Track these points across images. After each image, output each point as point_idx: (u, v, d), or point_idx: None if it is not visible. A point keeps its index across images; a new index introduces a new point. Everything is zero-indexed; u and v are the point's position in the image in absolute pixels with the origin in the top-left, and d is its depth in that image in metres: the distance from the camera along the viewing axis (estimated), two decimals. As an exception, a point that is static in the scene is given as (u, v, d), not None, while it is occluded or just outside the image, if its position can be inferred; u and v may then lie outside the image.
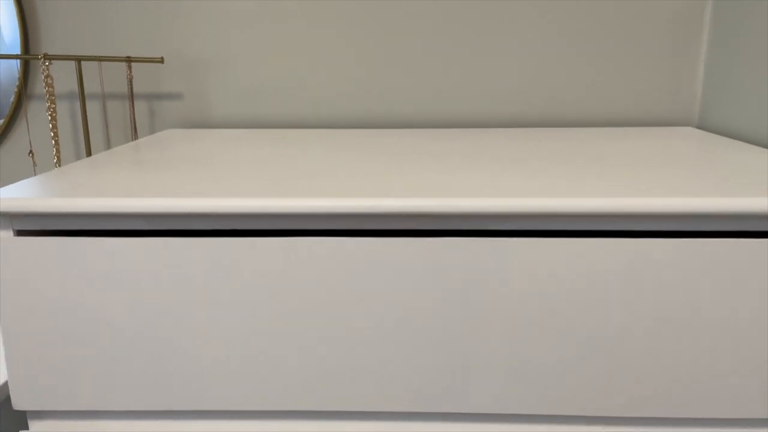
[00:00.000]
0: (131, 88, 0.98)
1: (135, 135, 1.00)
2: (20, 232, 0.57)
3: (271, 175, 0.63)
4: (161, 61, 0.95)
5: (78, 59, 0.95)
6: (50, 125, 0.97)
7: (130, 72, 0.98)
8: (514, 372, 0.57)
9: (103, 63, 1.02)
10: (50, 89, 0.94)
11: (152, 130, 1.05)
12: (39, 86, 1.04)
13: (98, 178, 0.62)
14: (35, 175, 1.06)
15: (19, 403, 0.60)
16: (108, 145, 1.05)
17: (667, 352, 0.56)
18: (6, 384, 0.63)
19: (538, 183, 0.59)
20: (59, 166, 0.97)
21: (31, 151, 1.01)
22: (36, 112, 1.05)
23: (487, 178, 0.61)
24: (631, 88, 1.00)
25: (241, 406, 0.59)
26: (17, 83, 1.04)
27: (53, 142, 0.96)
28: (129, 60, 0.96)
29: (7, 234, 0.57)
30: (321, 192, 0.56)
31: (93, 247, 0.55)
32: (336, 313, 0.56)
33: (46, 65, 0.95)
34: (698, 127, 0.99)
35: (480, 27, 0.98)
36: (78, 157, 1.06)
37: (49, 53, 0.98)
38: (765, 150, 0.75)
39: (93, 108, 1.04)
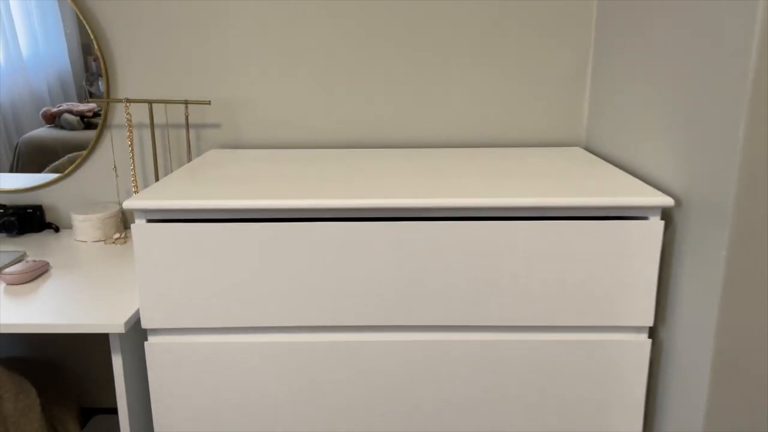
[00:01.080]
0: (187, 122, 1.38)
1: (190, 155, 1.40)
2: (149, 221, 0.98)
3: (293, 182, 1.04)
4: (209, 103, 1.36)
5: (150, 102, 1.35)
6: (129, 148, 1.37)
7: (187, 110, 1.38)
8: (446, 295, 0.98)
9: (168, 105, 1.41)
10: (129, 123, 1.35)
11: (199, 151, 1.45)
12: (117, 118, 1.44)
13: (189, 186, 1.03)
14: (117, 182, 1.46)
15: (146, 323, 1.00)
16: (170, 162, 1.45)
17: (547, 278, 0.97)
18: (137, 311, 1.03)
19: (465, 188, 0.99)
20: (135, 176, 1.36)
21: (114, 166, 1.41)
22: (116, 137, 1.45)
23: (435, 185, 1.02)
24: (532, 118, 1.41)
25: (284, 323, 1.00)
26: (101, 117, 1.44)
27: (131, 159, 1.36)
28: (186, 102, 1.36)
29: (141, 221, 0.97)
30: (326, 194, 0.96)
31: (194, 229, 0.96)
32: (342, 265, 0.97)
33: (127, 106, 1.35)
34: (585, 148, 1.41)
35: (425, 78, 1.40)
36: (146, 170, 1.45)
37: (129, 98, 1.38)
38: (616, 169, 1.16)
39: (158, 134, 1.44)
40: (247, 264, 0.97)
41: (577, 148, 1.37)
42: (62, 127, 1.55)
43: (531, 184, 1.03)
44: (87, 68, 1.50)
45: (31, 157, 1.56)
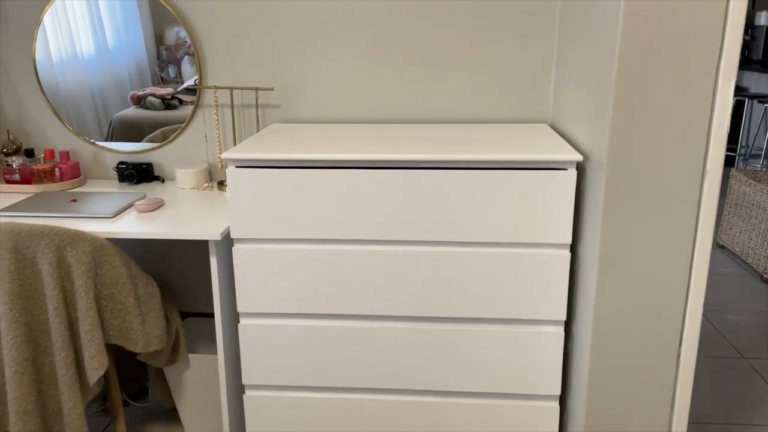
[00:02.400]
0: (257, 103, 1.90)
1: (258, 127, 1.92)
2: (237, 167, 1.50)
3: (336, 143, 1.54)
4: (272, 89, 1.87)
5: (231, 89, 1.87)
6: (216, 121, 1.89)
7: (256, 94, 1.90)
8: (439, 217, 1.47)
9: (243, 91, 1.94)
10: (216, 104, 1.87)
11: (264, 125, 1.97)
12: (206, 99, 1.97)
13: (260, 146, 1.54)
14: (206, 147, 1.99)
15: (234, 234, 1.52)
16: (243, 132, 1.97)
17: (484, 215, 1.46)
18: (228, 228, 1.56)
19: (451, 149, 1.48)
20: (219, 142, 1.89)
21: (205, 135, 1.95)
22: (204, 114, 1.98)
23: (430, 146, 1.50)
24: (508, 99, 1.87)
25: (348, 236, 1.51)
26: (196, 99, 1.97)
27: (216, 130, 1.89)
28: (256, 89, 1.88)
29: (233, 167, 1.49)
30: (369, 148, 1.46)
31: (267, 172, 1.47)
32: (373, 196, 1.47)
33: (215, 92, 1.87)
34: (550, 125, 1.86)
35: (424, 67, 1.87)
36: (226, 138, 1.98)
37: (217, 85, 1.91)
38: (560, 138, 1.62)
39: (235, 112, 1.97)
40: (303, 195, 1.48)
41: (544, 125, 1.83)
42: (147, 108, 2.07)
43: (492, 147, 1.51)
44: (159, 56, 2.00)
45: (123, 132, 2.08)
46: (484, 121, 1.91)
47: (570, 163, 1.43)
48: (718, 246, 3.65)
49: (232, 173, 1.49)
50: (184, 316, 2.12)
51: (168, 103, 2.03)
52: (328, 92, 1.92)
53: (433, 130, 1.76)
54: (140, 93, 2.04)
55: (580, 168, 1.48)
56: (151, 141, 2.06)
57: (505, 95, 1.88)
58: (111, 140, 2.07)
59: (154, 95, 2.05)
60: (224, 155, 1.47)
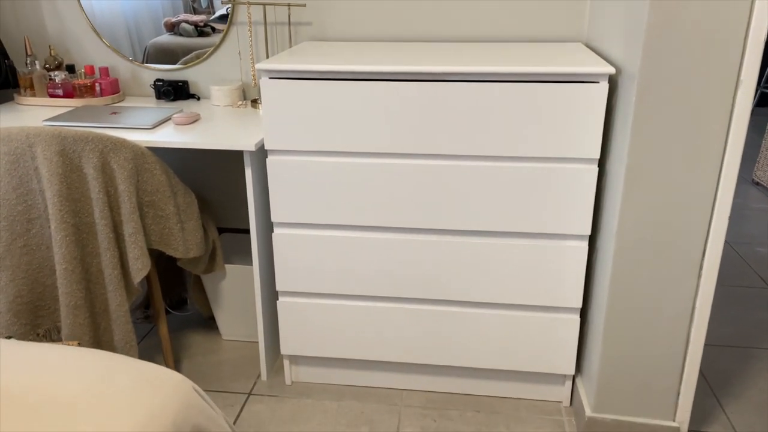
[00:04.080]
0: (289, 20, 1.91)
1: (291, 43, 1.94)
2: (271, 78, 1.53)
3: (368, 57, 1.55)
4: (304, 5, 1.88)
5: (263, 4, 1.88)
6: (250, 39, 1.91)
7: (289, 10, 1.91)
8: (468, 130, 1.50)
9: (276, 7, 1.95)
10: (250, 20, 1.89)
11: (296, 42, 1.98)
12: (239, 16, 1.99)
13: (294, 59, 1.56)
14: (240, 64, 2.02)
15: (268, 145, 1.57)
16: (276, 49, 1.99)
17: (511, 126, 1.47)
18: (261, 140, 1.61)
19: (481, 62, 1.48)
20: (253, 59, 1.91)
21: (239, 52, 1.97)
22: (238, 32, 2.00)
23: (460, 61, 1.51)
24: (539, 13, 1.85)
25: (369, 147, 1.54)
26: (229, 16, 1.99)
27: (250, 47, 1.91)
28: (288, 5, 1.89)
29: (266, 78, 1.53)
30: (401, 62, 1.47)
31: (301, 84, 1.50)
32: (406, 108, 1.50)
33: (248, 7, 1.89)
34: (585, 43, 1.84)
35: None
36: (259, 55, 2.01)
37: (249, 1, 1.92)
38: (594, 54, 1.61)
39: (268, 29, 1.98)
40: (339, 108, 1.52)
41: (578, 44, 1.81)
42: (180, 35, 2.10)
43: (522, 62, 1.51)
44: (191, -17, 2.01)
45: (157, 57, 2.12)
46: (517, 40, 1.89)
47: (602, 75, 1.42)
48: (753, 183, 3.59)
49: (265, 84, 1.52)
50: (220, 231, 2.21)
51: (201, 30, 2.05)
52: (360, 9, 1.92)
53: (464, 48, 1.75)
54: (173, 20, 2.07)
55: (612, 82, 1.47)
56: (184, 63, 2.09)
57: (539, 12, 1.85)
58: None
59: (187, 22, 2.07)
60: (258, 66, 1.50)
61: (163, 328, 1.86)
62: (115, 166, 1.53)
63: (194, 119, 1.78)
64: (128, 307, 1.64)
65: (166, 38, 2.11)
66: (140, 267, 1.60)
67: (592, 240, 1.61)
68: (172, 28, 2.10)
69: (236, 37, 2.01)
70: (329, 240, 1.64)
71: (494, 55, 1.61)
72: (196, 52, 2.08)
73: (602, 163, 1.54)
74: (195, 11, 2.07)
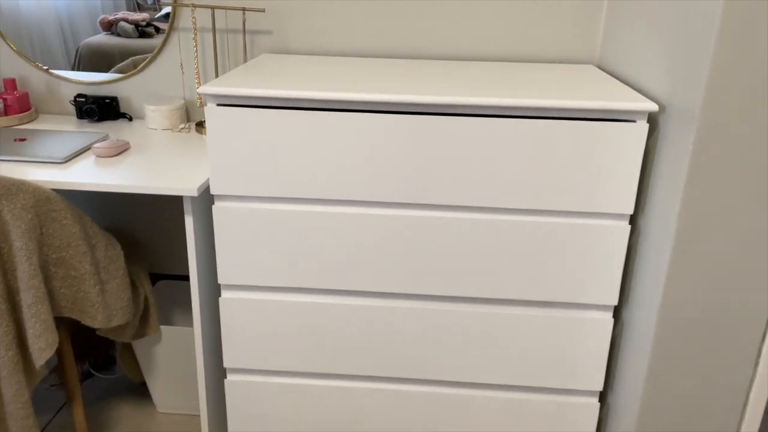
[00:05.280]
0: (244, 27, 1.57)
1: (245, 57, 1.59)
2: (219, 105, 1.19)
3: (336, 81, 1.23)
4: (263, 11, 1.53)
5: (212, 7, 1.53)
6: (194, 49, 1.56)
7: (244, 16, 1.56)
8: (457, 180, 1.18)
9: (228, 11, 1.60)
10: (194, 26, 1.54)
11: (252, 55, 1.64)
12: (182, 22, 1.63)
13: (247, 80, 1.22)
14: (182, 79, 1.66)
15: (214, 190, 1.22)
16: (227, 63, 1.64)
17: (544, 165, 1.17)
18: (207, 180, 1.26)
19: (477, 92, 1.18)
20: (198, 73, 1.56)
21: (181, 64, 1.61)
22: (182, 39, 1.64)
23: (459, 88, 1.20)
24: (548, 34, 1.56)
25: (339, 196, 1.21)
26: (170, 19, 1.63)
27: (195, 59, 1.56)
28: (243, 9, 1.54)
29: (213, 105, 1.18)
30: (386, 87, 1.15)
31: (257, 113, 1.16)
32: (375, 149, 1.17)
33: (193, 10, 1.53)
34: (598, 66, 1.56)
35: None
36: (206, 70, 1.65)
37: (195, 3, 1.56)
38: (617, 81, 1.32)
39: (218, 38, 1.63)
40: (300, 144, 1.18)
41: (590, 66, 1.53)
42: (118, 35, 1.75)
43: (537, 91, 1.21)
44: (136, -23, 1.67)
45: (91, 60, 1.76)
46: (520, 60, 1.60)
47: (640, 113, 1.14)
48: None
49: (211, 113, 1.18)
50: (157, 278, 1.84)
51: (143, 31, 1.71)
52: (331, 16, 1.59)
53: (460, 69, 1.44)
54: (111, 18, 1.71)
55: (651, 121, 1.19)
56: (120, 71, 1.73)
57: (547, 29, 1.56)
58: (78, 70, 1.75)
59: (126, 20, 1.72)
60: (201, 89, 1.16)
61: (78, 409, 1.48)
62: (9, 216, 1.15)
63: (121, 149, 1.42)
64: (29, 395, 1.26)
65: (101, 39, 1.75)
66: (43, 346, 1.22)
67: (618, 310, 1.32)
68: (110, 27, 1.75)
69: (178, 46, 1.65)
70: (291, 307, 1.31)
71: (497, 79, 1.31)
72: (134, 58, 1.72)
73: (635, 218, 1.25)
74: (140, 7, 1.72)
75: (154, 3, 1.70)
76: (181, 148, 1.47)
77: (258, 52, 1.64)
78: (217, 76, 1.61)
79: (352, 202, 1.23)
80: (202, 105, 1.65)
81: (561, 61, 1.58)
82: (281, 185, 1.21)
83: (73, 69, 1.76)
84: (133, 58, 1.74)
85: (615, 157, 1.15)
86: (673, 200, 1.08)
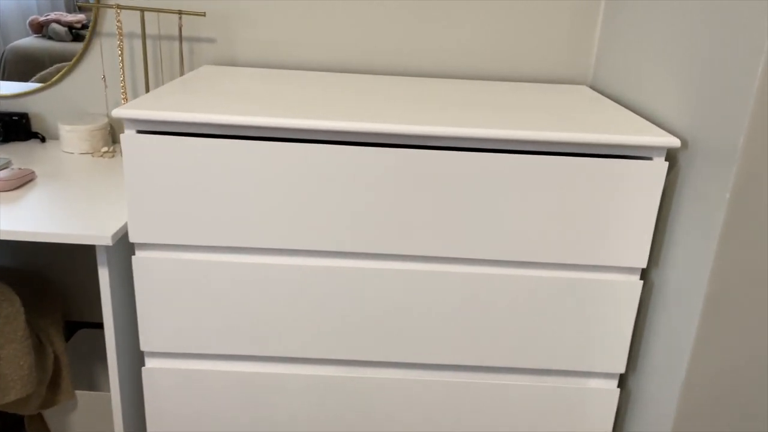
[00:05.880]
0: (180, 34, 1.32)
1: (182, 70, 1.34)
2: (139, 131, 0.94)
3: (289, 102, 1.00)
4: (203, 15, 1.29)
5: (142, 10, 1.28)
6: (119, 58, 1.31)
7: (181, 21, 1.32)
8: (440, 226, 0.97)
9: (161, 14, 1.35)
10: (120, 31, 1.29)
11: (192, 66, 1.39)
12: (107, 26, 1.37)
13: (181, 99, 0.99)
14: (105, 93, 1.41)
15: (134, 237, 0.98)
16: (161, 75, 1.39)
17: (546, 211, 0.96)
18: (124, 225, 1.01)
19: (461, 118, 0.96)
20: (124, 88, 1.31)
21: (103, 77, 1.35)
22: (105, 47, 1.39)
23: (433, 115, 0.98)
24: (536, 51, 1.36)
25: (274, 245, 0.98)
26: (91, 23, 1.37)
27: (121, 70, 1.30)
28: (180, 13, 1.30)
29: (131, 132, 0.94)
30: (323, 115, 0.93)
31: (186, 143, 0.92)
32: (336, 189, 0.94)
33: (118, 12, 1.28)
34: (591, 87, 1.37)
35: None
36: (135, 84, 1.40)
37: (120, 4, 1.31)
38: (622, 108, 1.13)
39: (150, 46, 1.38)
40: (240, 182, 0.95)
41: (583, 87, 1.33)
42: (50, 38, 1.49)
43: (531, 118, 1.00)
44: (75, -25, 1.43)
45: (18, 67, 1.50)
46: (505, 78, 1.39)
47: (658, 149, 0.94)
48: None
49: (129, 142, 0.93)
50: (76, 327, 1.56)
51: (78, 34, 1.45)
52: (287, 23, 1.36)
53: (434, 87, 1.23)
54: (42, 19, 1.47)
55: (669, 158, 0.99)
56: (42, 80, 1.46)
57: (534, 45, 1.36)
58: (2, 77, 1.49)
59: (59, 22, 1.47)
60: (116, 112, 0.91)
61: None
62: None
63: (24, 180, 1.15)
64: None
65: (30, 42, 1.49)
66: None
67: (624, 378, 1.12)
68: (40, 29, 1.49)
69: (100, 54, 1.39)
70: (228, 378, 1.06)
71: (483, 102, 1.10)
72: (59, 65, 1.46)
73: (647, 272, 1.05)
74: (81, 9, 1.47)
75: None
76: (101, 179, 1.21)
77: (199, 63, 1.40)
78: (148, 90, 1.35)
79: (306, 253, 1.00)
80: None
81: (551, 81, 1.39)
82: (221, 231, 0.97)
83: (-2, 77, 1.50)
84: (57, 65, 1.48)
85: (625, 199, 0.95)
86: (702, 256, 0.88)
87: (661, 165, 0.93)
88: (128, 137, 0.93)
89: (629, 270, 1.01)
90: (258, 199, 0.95)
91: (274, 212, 0.96)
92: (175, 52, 1.38)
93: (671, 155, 0.98)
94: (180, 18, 1.31)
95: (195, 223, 0.97)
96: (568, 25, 1.35)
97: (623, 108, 1.12)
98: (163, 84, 1.39)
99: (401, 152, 0.93)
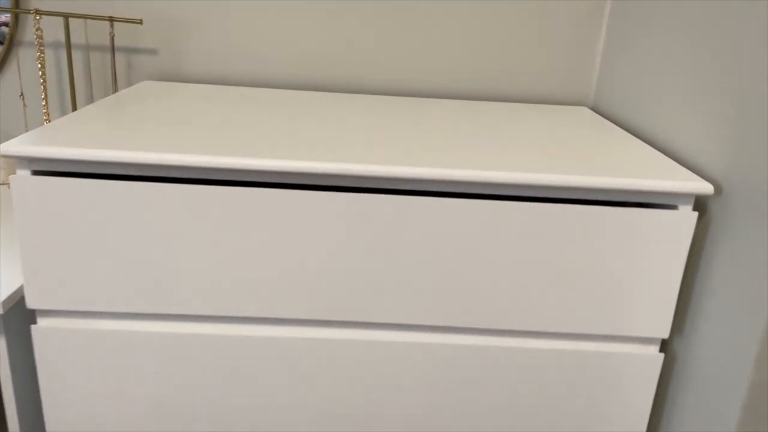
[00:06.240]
0: (113, 44, 1.12)
1: (116, 86, 1.14)
2: (35, 172, 0.74)
3: (234, 130, 0.81)
4: (140, 22, 1.09)
5: (66, 16, 1.08)
6: (39, 72, 1.10)
7: (112, 30, 1.12)
8: (419, 288, 0.78)
9: (88, 21, 1.14)
10: (40, 41, 1.08)
11: (130, 82, 1.19)
12: (28, 34, 1.17)
13: (97, 130, 0.79)
14: (24, 113, 1.20)
15: (31, 303, 0.78)
16: (91, 92, 1.19)
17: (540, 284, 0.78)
18: (21, 287, 0.81)
19: (446, 154, 0.78)
20: (47, 107, 1.11)
21: (21, 94, 1.15)
22: (25, 59, 1.18)
23: (413, 149, 0.80)
24: (538, 72, 1.19)
25: (206, 312, 0.79)
26: (8, 32, 1.16)
27: (42, 86, 1.10)
28: (111, 19, 1.10)
29: (25, 173, 0.74)
30: (270, 151, 0.74)
31: (94, 186, 0.73)
32: (283, 243, 0.75)
33: (37, 19, 1.08)
34: (592, 108, 1.19)
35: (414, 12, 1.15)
36: (62, 101, 1.20)
37: (39, 9, 1.11)
38: (633, 138, 0.95)
39: (77, 58, 1.18)
40: (162, 234, 0.75)
41: (583, 108, 1.16)
42: None
43: (529, 152, 0.82)
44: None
45: None
46: (498, 98, 1.21)
47: (685, 197, 0.76)
48: None
49: (22, 185, 0.73)
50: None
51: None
52: (241, 30, 1.17)
53: (415, 109, 1.04)
54: None
55: (699, 206, 0.81)
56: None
57: (530, 63, 1.18)
58: None
59: None
60: (3, 148, 0.71)
61: None
62: None
63: None
64: None
65: None
66: None
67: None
68: None
69: (17, 67, 1.18)
70: (163, 470, 0.86)
71: (473, 131, 0.92)
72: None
73: (668, 343, 0.87)
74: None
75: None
76: (9, 216, 1.01)
77: (138, 77, 1.19)
78: (75, 108, 1.15)
79: (246, 321, 0.81)
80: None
81: (549, 101, 1.21)
82: (135, 296, 0.78)
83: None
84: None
85: (644, 257, 0.77)
86: (744, 332, 0.70)
87: (688, 215, 0.75)
88: (19, 180, 0.73)
89: (647, 340, 0.82)
90: (185, 255, 0.76)
91: (204, 272, 0.77)
92: (108, 65, 1.18)
93: (700, 203, 0.80)
94: (111, 26, 1.11)
95: (107, 285, 0.77)
96: (567, 40, 1.17)
97: (634, 137, 0.94)
98: (93, 102, 1.19)
99: (366, 198, 0.74)
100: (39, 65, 1.10)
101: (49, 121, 1.13)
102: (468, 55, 1.18)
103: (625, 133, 0.97)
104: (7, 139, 1.20)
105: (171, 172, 0.74)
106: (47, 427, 0.84)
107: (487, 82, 1.20)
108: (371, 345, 0.81)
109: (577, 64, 1.18)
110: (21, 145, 0.72)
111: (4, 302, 0.77)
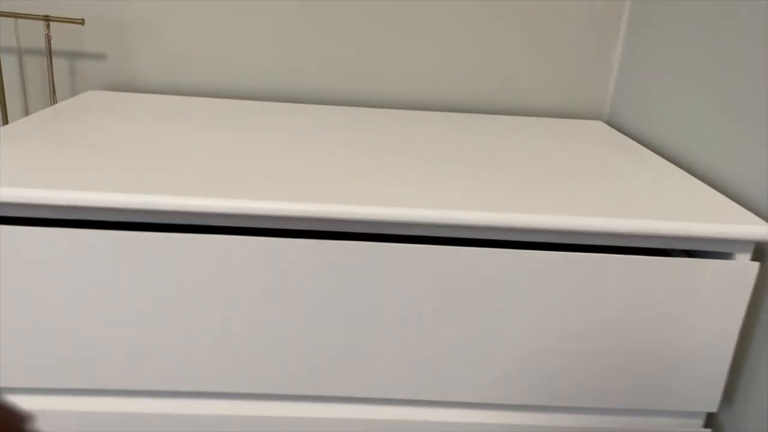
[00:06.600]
0: (49, 47, 0.95)
1: (54, 96, 0.98)
2: None
3: (186, 162, 0.65)
4: (81, 22, 0.93)
5: (-8, 14, 0.91)
6: (-38, 81, 0.94)
7: (49, 31, 0.95)
8: (405, 361, 0.63)
9: (20, 20, 0.98)
10: (-38, 44, 0.91)
11: (73, 91, 1.03)
12: (-49, 36, 1.00)
13: (21, 160, 0.62)
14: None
15: (-77, 379, 0.61)
16: (25, 102, 1.02)
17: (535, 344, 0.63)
18: None
19: (445, 186, 0.62)
20: (-27, 124, 0.94)
21: (-58, 106, 0.98)
22: (-52, 63, 1.01)
23: (409, 183, 0.64)
24: (549, 82, 1.04)
25: (155, 387, 0.63)
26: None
27: (-35, 98, 0.93)
28: (47, 19, 0.93)
29: None
30: (233, 193, 0.58)
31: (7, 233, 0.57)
32: (238, 303, 0.60)
33: (-43, 18, 0.91)
34: (608, 122, 1.05)
35: (412, 15, 1.00)
36: (-6, 113, 1.03)
37: (-40, 5, 0.94)
38: (665, 162, 0.81)
39: (10, 64, 1.01)
40: (121, 289, 0.59)
41: (599, 122, 1.01)
42: None
43: (544, 184, 0.67)
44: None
45: None
46: (494, 111, 1.06)
47: (741, 243, 0.61)
48: None
49: None
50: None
51: None
52: (202, 33, 1.00)
53: (413, 125, 0.89)
54: None
55: (758, 254, 0.67)
56: None
57: (542, 75, 1.03)
58: None
59: None
60: None
61: None
62: None
63: None
64: None
65: None
66: None
67: None
68: None
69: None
70: None
71: (479, 147, 0.76)
72: None
73: (716, 418, 0.73)
74: None
75: None
76: None
77: (83, 86, 1.03)
78: (6, 122, 0.98)
79: (214, 396, 0.65)
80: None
81: (562, 115, 1.06)
82: (98, 371, 0.62)
83: None
84: None
85: (692, 317, 0.62)
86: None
87: (746, 266, 0.61)
88: None
89: (690, 414, 0.68)
90: (149, 314, 0.60)
91: (169, 341, 0.61)
92: (61, 70, 1.01)
93: (759, 251, 0.66)
94: (47, 26, 0.94)
95: (67, 359, 0.61)
96: (580, 47, 1.02)
97: (666, 161, 0.79)
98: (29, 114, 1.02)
99: (352, 246, 0.59)
100: (-40, 73, 0.93)
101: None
102: (470, 64, 1.03)
103: (655, 156, 0.82)
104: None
105: (107, 215, 0.58)
106: None
107: (492, 94, 1.04)
108: (356, 424, 0.65)
109: (591, 73, 1.03)
110: None
111: None
